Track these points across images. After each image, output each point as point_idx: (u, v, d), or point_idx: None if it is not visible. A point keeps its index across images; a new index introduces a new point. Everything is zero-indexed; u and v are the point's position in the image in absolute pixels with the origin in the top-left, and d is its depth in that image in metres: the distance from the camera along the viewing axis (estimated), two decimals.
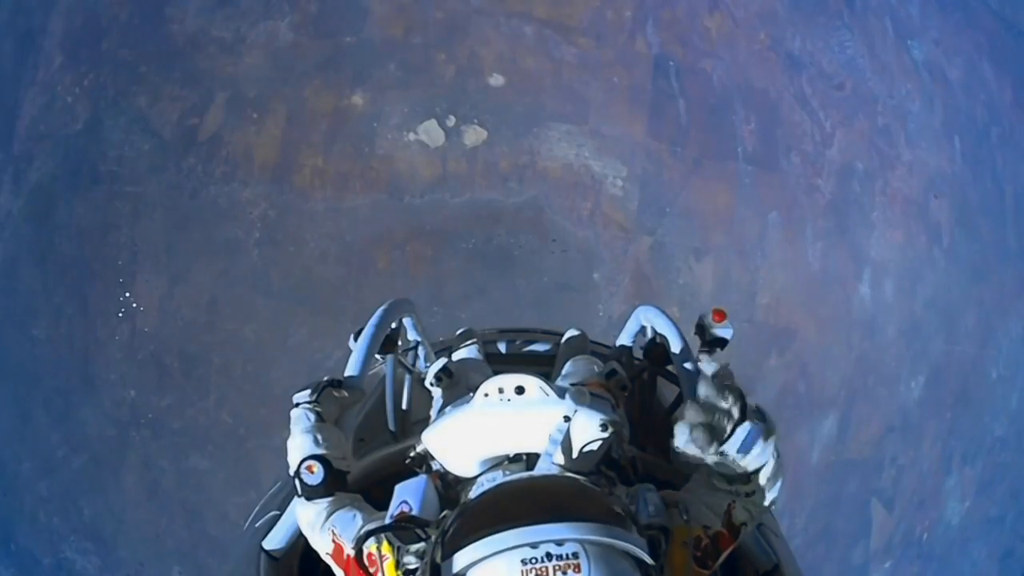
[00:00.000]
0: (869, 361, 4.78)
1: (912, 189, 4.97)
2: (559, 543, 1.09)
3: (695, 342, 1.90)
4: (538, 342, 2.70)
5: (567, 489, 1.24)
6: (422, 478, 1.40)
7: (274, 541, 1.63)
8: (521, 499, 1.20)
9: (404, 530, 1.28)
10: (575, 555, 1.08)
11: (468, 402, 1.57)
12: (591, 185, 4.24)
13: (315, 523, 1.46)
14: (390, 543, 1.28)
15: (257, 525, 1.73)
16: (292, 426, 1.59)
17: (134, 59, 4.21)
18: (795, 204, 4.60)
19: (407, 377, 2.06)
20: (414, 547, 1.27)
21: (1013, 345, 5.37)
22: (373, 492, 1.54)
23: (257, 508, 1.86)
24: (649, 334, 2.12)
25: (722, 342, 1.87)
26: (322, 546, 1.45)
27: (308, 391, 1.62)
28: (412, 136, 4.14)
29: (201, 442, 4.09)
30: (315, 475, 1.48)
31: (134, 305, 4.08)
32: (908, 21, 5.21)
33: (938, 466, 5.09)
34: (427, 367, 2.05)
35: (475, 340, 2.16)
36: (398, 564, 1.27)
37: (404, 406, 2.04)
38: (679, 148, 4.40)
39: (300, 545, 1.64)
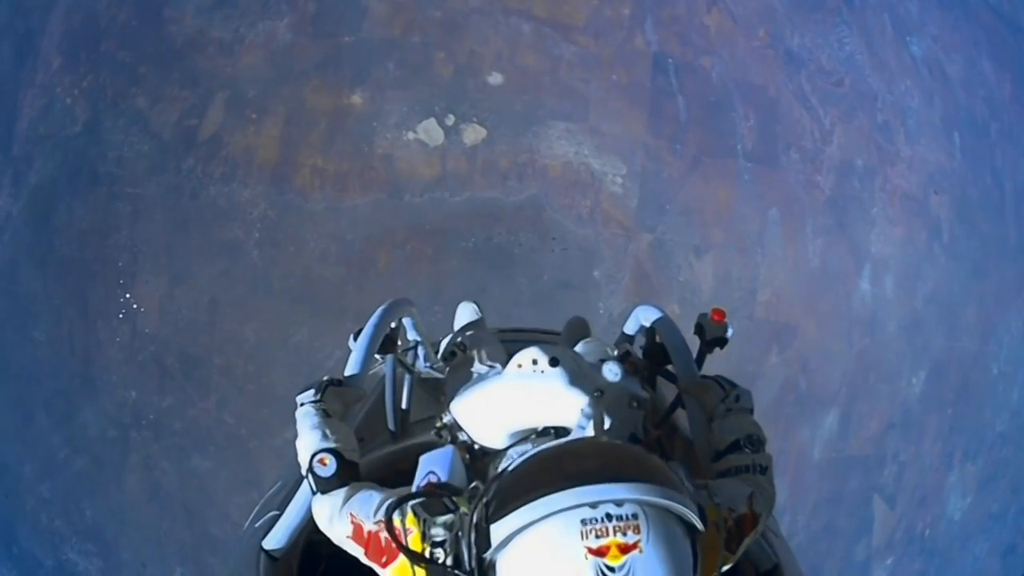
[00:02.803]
0: (870, 357, 4.78)
1: (912, 185, 4.97)
2: (619, 504, 1.08)
3: (695, 342, 1.90)
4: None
5: (626, 451, 1.22)
6: (449, 448, 1.39)
7: (274, 541, 1.63)
8: (579, 458, 1.17)
9: (433, 499, 1.24)
10: (635, 516, 1.07)
11: (499, 373, 1.57)
12: (591, 183, 4.23)
13: (332, 514, 1.44)
14: (415, 515, 1.25)
15: (257, 525, 1.73)
16: (299, 425, 1.58)
17: (133, 60, 4.21)
18: (795, 201, 4.60)
19: (407, 377, 2.06)
20: (441, 519, 1.24)
21: (1014, 341, 5.37)
22: None
23: (257, 508, 1.86)
24: (645, 325, 2.12)
25: (722, 341, 1.88)
26: (340, 532, 1.42)
27: (311, 390, 1.62)
28: (411, 135, 4.14)
29: (202, 443, 4.10)
30: (328, 467, 1.47)
31: (134, 306, 4.08)
32: (907, 17, 5.20)
33: (939, 462, 5.09)
34: (427, 367, 2.05)
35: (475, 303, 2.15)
36: (424, 536, 1.24)
37: (404, 406, 2.04)
38: (678, 145, 4.40)
39: (300, 545, 1.64)
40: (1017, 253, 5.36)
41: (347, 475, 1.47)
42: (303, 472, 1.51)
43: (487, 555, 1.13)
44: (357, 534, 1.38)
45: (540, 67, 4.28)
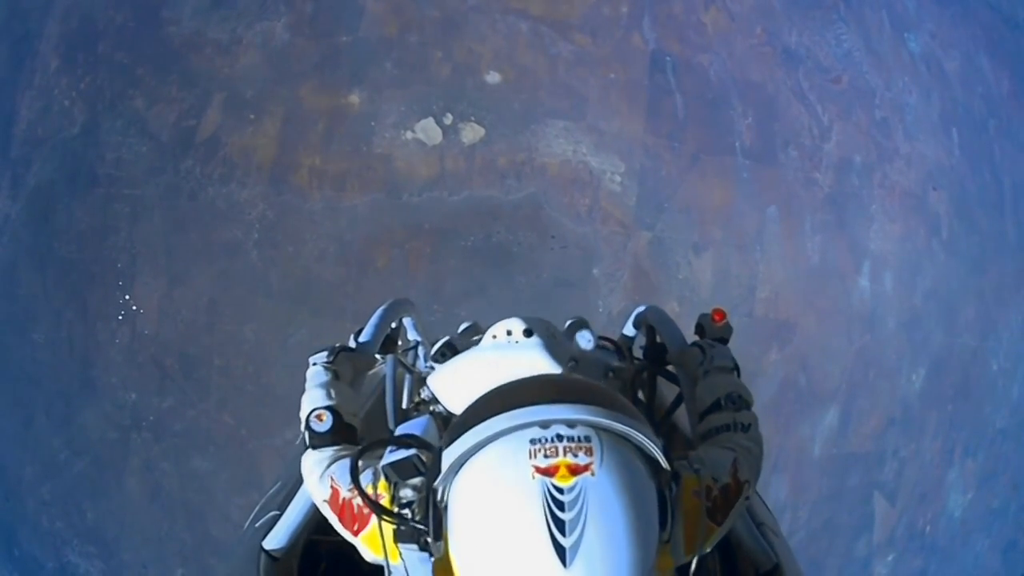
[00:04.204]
0: (870, 354, 4.78)
1: (910, 182, 4.97)
2: (571, 425, 1.04)
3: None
4: None
5: (584, 382, 1.18)
6: (425, 417, 1.39)
7: (274, 541, 1.63)
8: (530, 386, 1.15)
9: (404, 463, 1.20)
10: (587, 439, 1.02)
11: (476, 345, 1.57)
12: (589, 181, 4.23)
13: (315, 469, 1.43)
14: (387, 479, 1.23)
15: (257, 525, 1.73)
16: (307, 383, 1.59)
17: (131, 62, 4.21)
18: (793, 198, 4.60)
19: (407, 377, 2.07)
20: (412, 481, 1.22)
21: (1013, 337, 5.37)
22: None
23: (257, 508, 1.86)
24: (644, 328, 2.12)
25: (722, 341, 1.88)
26: (319, 494, 1.41)
27: (325, 352, 1.64)
28: (409, 135, 4.14)
29: (203, 444, 4.10)
30: (323, 423, 1.48)
31: (134, 308, 4.08)
32: (904, 14, 5.20)
33: (940, 458, 5.09)
34: (428, 367, 2.05)
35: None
36: (394, 499, 1.22)
37: (404, 406, 2.04)
38: (677, 143, 4.40)
39: (300, 545, 1.64)
40: (1016, 249, 5.37)
41: (341, 436, 1.47)
42: (301, 420, 1.52)
43: (437, 483, 1.10)
44: (333, 499, 1.37)
45: (538, 66, 4.28)
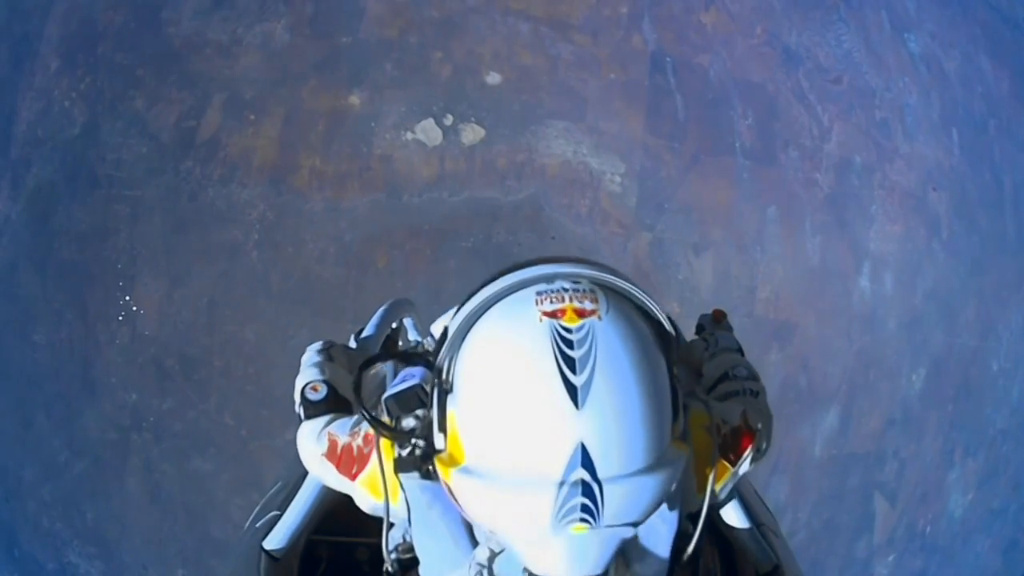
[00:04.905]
0: (870, 354, 4.78)
1: (910, 182, 4.96)
2: (576, 280, 1.04)
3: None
4: None
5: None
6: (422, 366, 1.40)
7: (274, 541, 1.63)
8: (530, 257, 1.13)
9: (408, 395, 1.19)
10: (593, 291, 1.03)
11: None
12: (589, 182, 4.24)
13: (311, 434, 1.42)
14: (388, 412, 1.21)
15: (258, 526, 1.73)
16: (301, 366, 1.59)
17: (131, 62, 4.21)
18: (794, 198, 4.60)
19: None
20: (414, 412, 1.20)
21: (1014, 337, 5.36)
22: None
23: (257, 509, 1.86)
24: None
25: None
26: (316, 452, 1.39)
27: (321, 342, 1.65)
28: (410, 135, 4.14)
29: (203, 444, 4.10)
30: (319, 393, 1.47)
31: (134, 308, 4.08)
32: (904, 14, 5.20)
33: (940, 459, 5.09)
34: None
35: None
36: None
37: None
38: (677, 144, 4.40)
39: (300, 545, 1.64)
40: (1016, 249, 5.36)
41: (336, 405, 1.46)
42: (295, 402, 1.51)
43: (442, 355, 1.09)
44: (331, 450, 1.36)
45: (538, 66, 4.28)
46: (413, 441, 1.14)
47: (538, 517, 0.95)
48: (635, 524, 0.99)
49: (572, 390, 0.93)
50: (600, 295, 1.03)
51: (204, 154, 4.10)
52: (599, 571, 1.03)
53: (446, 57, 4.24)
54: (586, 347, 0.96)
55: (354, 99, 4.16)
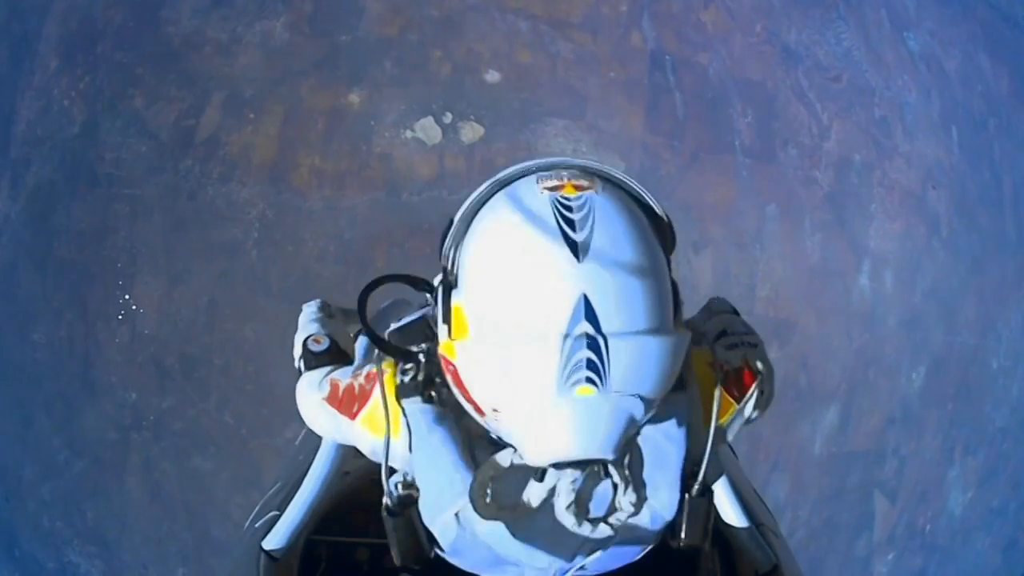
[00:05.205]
0: (870, 352, 4.78)
1: (910, 180, 4.96)
2: (570, 169, 1.10)
3: None
4: None
5: None
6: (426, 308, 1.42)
7: (274, 541, 1.63)
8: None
9: (415, 328, 1.27)
10: (589, 176, 1.08)
11: None
12: None
13: (313, 382, 1.42)
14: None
15: (257, 525, 1.73)
16: (300, 322, 1.64)
17: (130, 61, 4.20)
18: (793, 196, 4.60)
19: None
20: (419, 346, 1.24)
21: (1013, 335, 5.36)
22: (374, 491, 1.53)
23: (257, 508, 1.86)
24: None
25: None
26: (316, 399, 1.39)
27: (318, 300, 1.74)
28: (409, 134, 4.14)
29: (203, 443, 4.10)
30: (321, 345, 1.51)
31: (133, 307, 4.08)
32: (904, 13, 5.20)
33: (940, 457, 5.09)
34: None
35: None
36: (397, 373, 1.24)
37: None
38: (676, 142, 4.40)
39: (300, 545, 1.64)
40: (1016, 247, 5.36)
41: (338, 357, 1.48)
42: (295, 358, 1.51)
43: (447, 245, 1.18)
44: (333, 394, 1.36)
45: (537, 65, 4.28)
46: (419, 357, 1.21)
47: (544, 378, 0.95)
48: (644, 400, 0.98)
49: (573, 245, 0.96)
50: (596, 179, 1.08)
51: (203, 153, 4.10)
52: (606, 454, 1.01)
53: (445, 55, 4.23)
54: (585, 211, 1.00)
55: (353, 97, 4.16)
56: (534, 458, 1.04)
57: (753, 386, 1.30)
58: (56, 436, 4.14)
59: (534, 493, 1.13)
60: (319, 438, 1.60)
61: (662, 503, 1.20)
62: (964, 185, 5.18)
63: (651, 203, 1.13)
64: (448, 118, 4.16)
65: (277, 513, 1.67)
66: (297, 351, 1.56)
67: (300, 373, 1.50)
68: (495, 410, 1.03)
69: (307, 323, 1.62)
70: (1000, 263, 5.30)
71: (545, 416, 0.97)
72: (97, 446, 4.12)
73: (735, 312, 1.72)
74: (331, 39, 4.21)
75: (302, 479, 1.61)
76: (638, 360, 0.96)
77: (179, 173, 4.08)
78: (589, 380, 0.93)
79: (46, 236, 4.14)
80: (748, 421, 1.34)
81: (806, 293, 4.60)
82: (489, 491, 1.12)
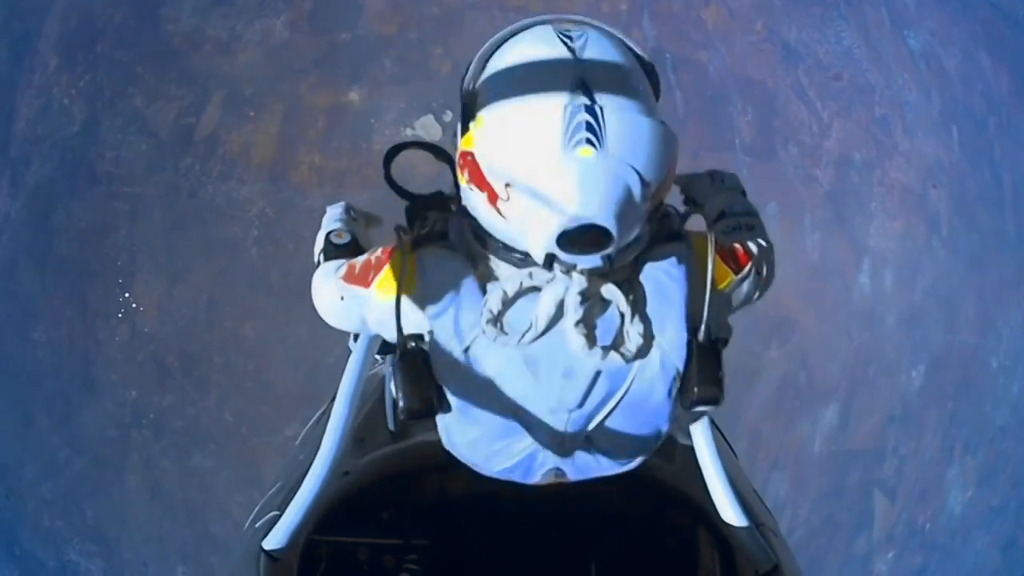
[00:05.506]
0: (869, 351, 4.77)
1: (910, 179, 4.96)
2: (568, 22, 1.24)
3: None
4: None
5: None
6: None
7: (274, 541, 1.63)
8: None
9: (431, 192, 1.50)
10: (586, 26, 1.22)
11: None
12: None
13: (331, 268, 1.50)
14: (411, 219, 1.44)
15: (257, 525, 1.72)
16: (324, 220, 1.74)
17: (130, 60, 4.20)
18: (793, 195, 4.60)
19: None
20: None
21: (1013, 334, 5.36)
22: (374, 491, 1.53)
23: (257, 508, 1.86)
24: None
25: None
26: (332, 280, 1.46)
27: (343, 202, 1.85)
28: (409, 131, 4.14)
29: (203, 442, 4.10)
30: (343, 239, 1.63)
31: (133, 306, 4.08)
32: (904, 11, 5.19)
33: (940, 456, 5.09)
34: None
35: None
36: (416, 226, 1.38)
37: None
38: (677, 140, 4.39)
39: (300, 545, 1.64)
40: (1016, 246, 5.35)
41: (357, 254, 1.51)
42: (315, 252, 1.61)
43: (467, 79, 1.27)
44: (348, 272, 1.42)
45: None
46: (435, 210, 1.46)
47: (550, 139, 1.07)
48: (638, 175, 1.09)
49: (571, 50, 1.15)
50: (590, 27, 1.23)
51: (203, 151, 4.10)
52: (607, 218, 1.08)
53: (445, 53, 4.23)
54: (583, 39, 1.18)
55: (353, 95, 4.15)
56: (544, 230, 1.11)
57: (749, 264, 1.40)
58: (56, 434, 4.14)
59: (543, 311, 1.21)
60: (319, 438, 1.59)
61: (670, 342, 1.28)
62: (964, 184, 5.18)
63: (639, 52, 1.25)
64: (448, 116, 4.16)
65: (277, 513, 1.67)
66: (319, 245, 1.64)
67: (319, 265, 1.57)
68: (507, 185, 1.12)
69: (331, 221, 1.72)
70: (1000, 262, 5.30)
71: (552, 175, 1.07)
72: (97, 444, 4.12)
73: (743, 192, 1.76)
74: (331, 37, 4.20)
75: (302, 479, 1.61)
76: (630, 130, 1.10)
77: (179, 171, 4.08)
78: (588, 141, 1.06)
79: (46, 234, 4.14)
80: (749, 300, 1.45)
81: (806, 291, 4.59)
82: (498, 316, 1.22)
